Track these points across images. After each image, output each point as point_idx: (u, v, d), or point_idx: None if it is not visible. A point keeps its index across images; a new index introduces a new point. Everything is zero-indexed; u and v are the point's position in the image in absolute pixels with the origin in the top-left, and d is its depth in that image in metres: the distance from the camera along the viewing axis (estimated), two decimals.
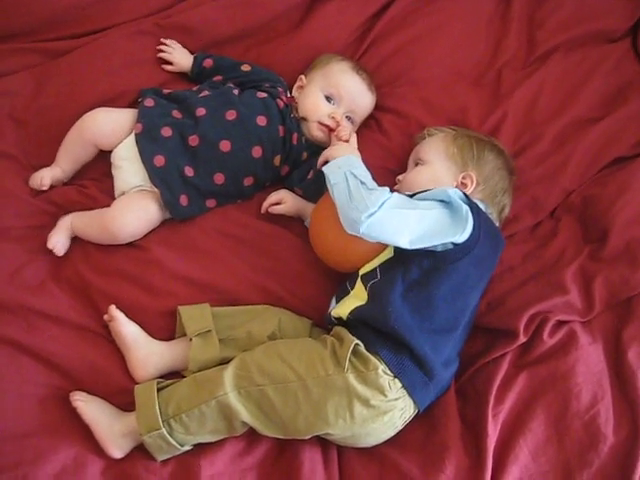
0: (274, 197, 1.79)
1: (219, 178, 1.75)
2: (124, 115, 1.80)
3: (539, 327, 1.64)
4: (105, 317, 1.65)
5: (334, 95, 1.84)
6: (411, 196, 1.59)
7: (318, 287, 1.75)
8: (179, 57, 1.93)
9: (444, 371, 1.55)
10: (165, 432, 1.47)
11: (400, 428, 1.54)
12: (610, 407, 1.57)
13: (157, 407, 1.49)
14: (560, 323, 1.66)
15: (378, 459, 1.55)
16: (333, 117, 1.82)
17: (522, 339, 1.63)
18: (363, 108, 1.90)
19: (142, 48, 1.93)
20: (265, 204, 1.79)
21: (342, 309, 1.57)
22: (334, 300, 1.66)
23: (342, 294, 1.63)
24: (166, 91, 1.87)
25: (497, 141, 1.81)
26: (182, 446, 1.49)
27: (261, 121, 1.78)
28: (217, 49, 1.97)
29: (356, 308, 1.54)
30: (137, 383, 1.59)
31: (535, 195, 1.88)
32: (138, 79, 1.89)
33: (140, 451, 1.51)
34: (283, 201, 1.79)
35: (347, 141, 1.75)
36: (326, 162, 1.63)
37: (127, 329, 1.62)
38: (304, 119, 1.85)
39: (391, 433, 1.53)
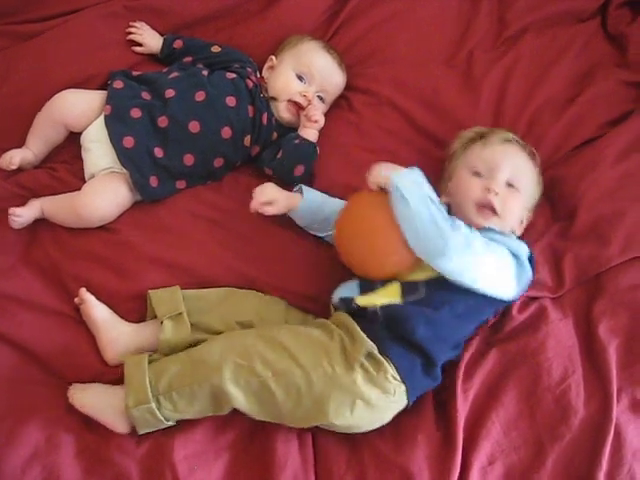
0: (263, 197, 1.68)
1: (189, 159, 1.75)
2: (94, 96, 1.79)
3: (509, 305, 1.65)
4: (76, 300, 1.65)
5: (306, 74, 1.85)
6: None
7: (291, 266, 1.74)
8: (149, 38, 1.92)
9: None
10: (154, 407, 1.46)
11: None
12: (581, 381, 1.58)
13: (147, 381, 1.47)
14: (530, 299, 1.67)
15: (352, 439, 1.55)
16: (305, 95, 1.82)
17: (491, 318, 1.65)
18: (334, 87, 1.90)
19: (112, 30, 1.92)
20: (254, 204, 1.67)
21: (373, 300, 1.54)
22: (353, 287, 1.62)
23: (368, 286, 1.59)
24: (135, 73, 1.86)
25: None
26: (167, 421, 1.48)
27: (230, 102, 1.77)
28: (187, 31, 1.97)
29: (390, 305, 1.52)
30: (107, 364, 1.59)
31: None
32: (108, 61, 1.88)
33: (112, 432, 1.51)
34: (274, 202, 1.69)
35: (316, 121, 1.76)
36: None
37: (97, 311, 1.62)
38: (274, 99, 1.85)
39: (376, 427, 1.53)
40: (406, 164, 1.83)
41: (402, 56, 2.00)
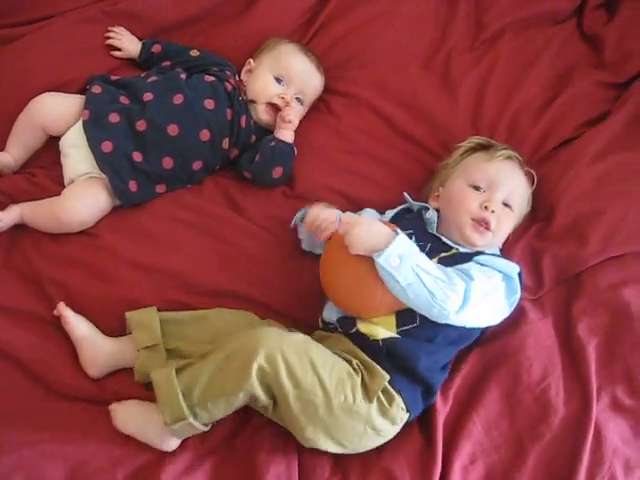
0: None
1: (168, 162, 1.75)
2: (72, 100, 1.79)
3: None
4: (54, 312, 1.63)
5: (284, 76, 1.85)
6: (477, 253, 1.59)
7: (271, 270, 1.74)
8: (127, 43, 1.91)
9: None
10: (192, 420, 1.44)
11: None
12: (561, 380, 1.59)
13: (181, 397, 1.43)
14: None
15: None
16: (283, 97, 1.82)
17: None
18: (313, 89, 1.91)
19: (90, 35, 1.91)
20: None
21: (375, 331, 1.53)
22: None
23: None
24: (114, 77, 1.85)
25: None
26: (205, 426, 1.48)
27: (209, 104, 1.77)
28: (165, 35, 1.97)
29: (390, 339, 1.51)
30: (90, 378, 1.60)
31: None
32: (86, 66, 1.87)
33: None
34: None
35: (290, 121, 1.76)
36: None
37: (76, 327, 1.61)
38: (252, 102, 1.85)
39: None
40: (386, 165, 1.86)
41: (381, 59, 2.01)
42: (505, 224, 1.64)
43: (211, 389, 1.44)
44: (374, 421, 1.46)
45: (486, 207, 1.61)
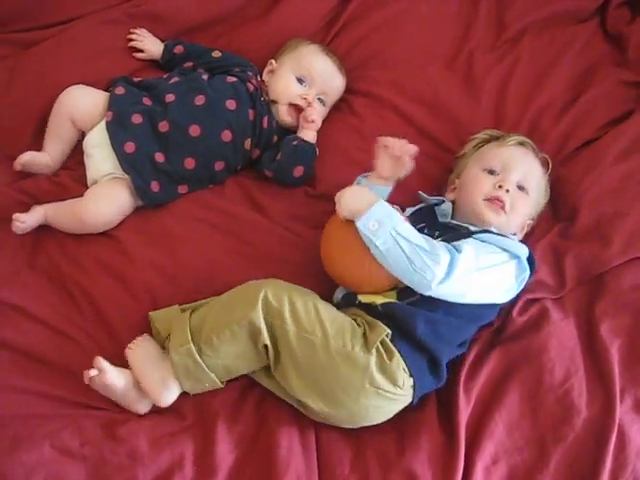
0: None
1: (190, 163, 1.76)
2: (100, 96, 1.80)
3: (510, 306, 1.66)
4: (91, 373, 1.53)
5: (306, 77, 1.86)
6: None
7: (295, 270, 1.73)
8: (150, 45, 1.93)
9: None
10: (192, 348, 1.46)
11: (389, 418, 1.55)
12: (583, 381, 1.58)
13: (188, 327, 1.49)
14: (531, 301, 1.67)
15: (355, 437, 1.56)
16: (305, 98, 1.83)
17: (495, 323, 1.66)
18: (334, 89, 1.91)
19: (113, 37, 1.93)
20: None
21: (374, 298, 1.56)
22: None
23: None
24: (136, 79, 1.87)
25: None
26: (211, 371, 1.48)
27: (230, 105, 1.78)
28: (187, 37, 1.98)
29: (389, 303, 1.54)
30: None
31: None
32: (109, 68, 1.89)
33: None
34: None
35: (313, 121, 1.77)
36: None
37: (115, 383, 1.53)
38: (274, 102, 1.86)
39: (380, 421, 1.54)
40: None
41: (402, 59, 2.01)
42: (521, 207, 1.66)
43: (217, 322, 1.48)
44: (373, 375, 1.45)
45: (500, 186, 1.63)
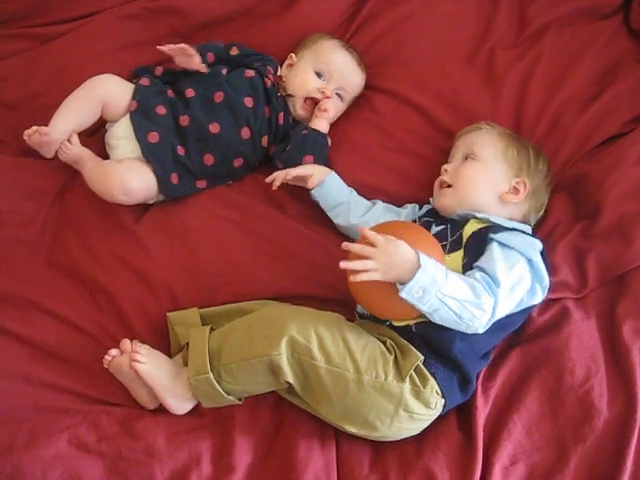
0: (300, 170, 1.70)
1: (209, 159, 1.76)
2: (128, 88, 1.79)
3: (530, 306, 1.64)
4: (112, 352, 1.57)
5: (324, 71, 1.85)
6: (492, 226, 1.56)
7: (313, 267, 1.73)
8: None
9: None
10: (211, 377, 1.47)
11: None
12: (604, 382, 1.56)
13: (207, 352, 1.49)
14: (552, 300, 1.65)
15: (374, 441, 1.56)
16: (323, 92, 1.82)
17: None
18: (353, 85, 1.90)
19: (131, 31, 1.94)
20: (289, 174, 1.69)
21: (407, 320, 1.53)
22: None
23: None
24: (158, 71, 1.87)
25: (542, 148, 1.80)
26: (228, 395, 1.49)
27: (248, 102, 1.78)
28: (206, 31, 1.97)
29: (423, 322, 1.49)
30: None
31: None
32: (127, 63, 1.89)
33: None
34: (311, 174, 1.72)
35: (326, 110, 1.77)
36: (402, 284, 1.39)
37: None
38: (291, 96, 1.85)
39: (407, 436, 1.54)
40: (426, 162, 1.84)
41: (422, 55, 1.99)
42: (468, 173, 1.67)
43: (238, 350, 1.47)
44: (407, 401, 1.44)
45: (445, 170, 1.69)
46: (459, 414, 1.57)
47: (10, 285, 1.66)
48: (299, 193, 1.81)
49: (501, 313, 1.44)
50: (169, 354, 1.63)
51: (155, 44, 1.91)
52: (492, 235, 1.51)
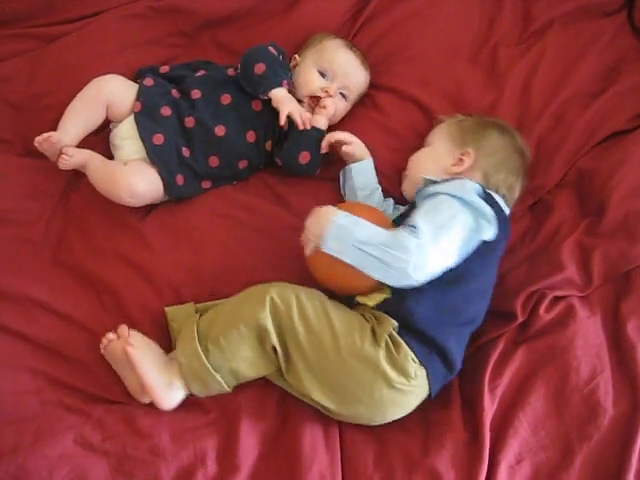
0: (342, 136, 1.78)
1: (214, 161, 1.76)
2: (132, 87, 1.79)
3: (536, 304, 1.64)
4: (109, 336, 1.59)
5: (327, 70, 1.84)
6: (423, 187, 1.63)
7: None
8: None
9: (460, 361, 1.56)
10: (199, 349, 1.47)
11: (410, 412, 1.54)
12: (609, 380, 1.57)
13: (195, 329, 1.51)
14: (558, 298, 1.66)
15: (379, 436, 1.56)
16: (326, 91, 1.82)
17: (520, 319, 1.64)
18: (357, 84, 1.89)
19: (136, 31, 1.93)
20: (332, 137, 1.77)
21: (367, 301, 1.55)
22: None
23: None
24: (163, 70, 1.87)
25: (507, 123, 1.80)
26: (217, 372, 1.48)
27: (256, 106, 1.78)
28: (210, 30, 1.98)
29: (381, 302, 1.53)
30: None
31: (533, 174, 1.86)
32: (132, 62, 1.89)
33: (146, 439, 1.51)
34: (353, 143, 1.79)
35: (325, 107, 1.78)
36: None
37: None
38: (300, 101, 1.83)
39: (400, 415, 1.54)
40: None
41: (426, 53, 1.99)
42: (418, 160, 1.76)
43: (224, 323, 1.50)
44: (383, 367, 1.45)
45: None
46: (465, 412, 1.57)
47: (15, 284, 1.65)
48: (303, 191, 1.81)
49: (439, 252, 1.45)
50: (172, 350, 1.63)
51: (160, 43, 1.94)
52: (419, 193, 1.59)
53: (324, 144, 1.78)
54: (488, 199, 1.56)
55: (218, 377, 1.49)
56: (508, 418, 1.54)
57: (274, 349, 1.49)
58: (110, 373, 1.59)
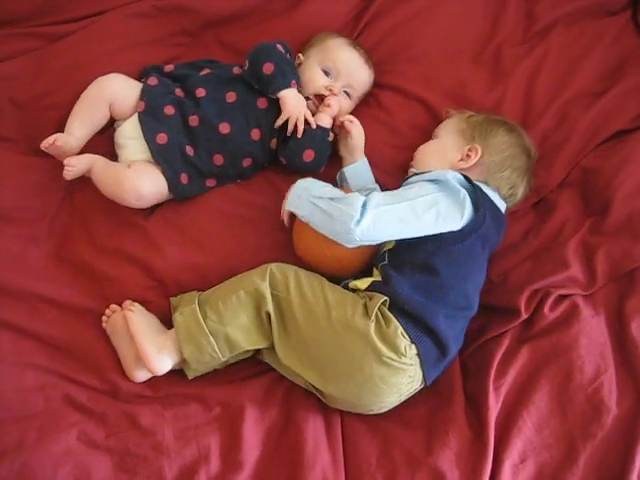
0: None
1: (218, 159, 1.76)
2: (135, 86, 1.80)
3: (540, 302, 1.64)
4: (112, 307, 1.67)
5: (331, 69, 1.84)
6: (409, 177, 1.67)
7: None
8: None
9: (455, 347, 1.57)
10: (197, 309, 1.54)
11: (404, 399, 1.55)
12: (613, 379, 1.57)
13: (197, 297, 1.60)
14: (562, 297, 1.66)
15: (382, 433, 1.57)
16: (331, 89, 1.81)
17: (524, 316, 1.64)
18: (360, 83, 1.89)
19: (140, 30, 1.93)
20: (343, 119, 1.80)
21: (360, 283, 1.60)
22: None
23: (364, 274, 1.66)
24: (168, 69, 1.87)
25: (515, 123, 1.81)
26: (212, 336, 1.52)
27: (261, 103, 1.78)
28: (214, 29, 1.97)
29: (373, 283, 1.57)
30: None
31: (538, 172, 1.86)
32: (136, 61, 1.89)
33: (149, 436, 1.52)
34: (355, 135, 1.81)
35: (329, 105, 1.78)
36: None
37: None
38: (307, 99, 1.83)
39: (394, 400, 1.54)
40: None
41: (430, 52, 1.99)
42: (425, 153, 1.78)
43: (225, 290, 1.59)
44: (374, 341, 1.47)
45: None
46: (469, 410, 1.57)
47: (19, 281, 1.66)
48: None
49: (388, 215, 1.51)
50: None
51: (164, 43, 1.93)
52: (404, 182, 1.65)
53: (338, 121, 1.80)
54: (469, 187, 1.58)
55: (212, 340, 1.53)
56: (512, 417, 1.54)
57: (268, 316, 1.53)
58: (115, 370, 1.61)
